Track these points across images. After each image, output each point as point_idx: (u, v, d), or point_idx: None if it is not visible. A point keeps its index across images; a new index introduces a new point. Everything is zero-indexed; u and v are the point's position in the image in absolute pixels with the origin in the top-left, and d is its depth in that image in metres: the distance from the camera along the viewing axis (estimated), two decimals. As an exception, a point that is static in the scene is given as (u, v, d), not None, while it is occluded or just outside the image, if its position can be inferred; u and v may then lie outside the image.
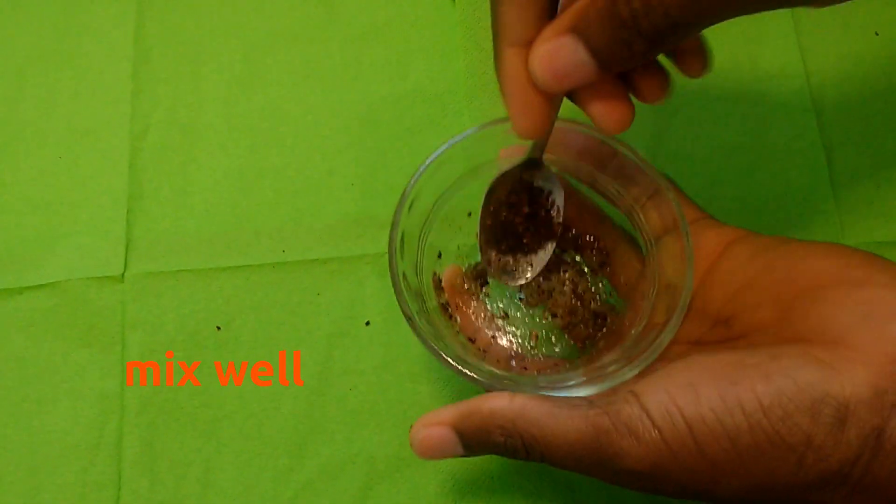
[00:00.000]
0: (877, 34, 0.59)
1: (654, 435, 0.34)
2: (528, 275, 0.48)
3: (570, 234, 0.50)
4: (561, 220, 0.46)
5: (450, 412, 0.39)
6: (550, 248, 0.47)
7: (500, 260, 0.48)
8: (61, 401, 0.53)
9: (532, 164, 0.45)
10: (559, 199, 0.46)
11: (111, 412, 0.53)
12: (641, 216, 0.47)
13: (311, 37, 0.61)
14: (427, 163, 0.45)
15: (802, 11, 0.59)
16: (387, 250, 0.52)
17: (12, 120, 0.59)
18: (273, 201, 0.57)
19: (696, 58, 0.37)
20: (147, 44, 0.61)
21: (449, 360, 0.41)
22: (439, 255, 0.51)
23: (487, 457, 0.50)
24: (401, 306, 0.43)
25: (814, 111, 0.58)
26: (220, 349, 0.54)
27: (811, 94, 0.58)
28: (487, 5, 0.57)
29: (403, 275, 0.44)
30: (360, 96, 0.59)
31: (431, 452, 0.39)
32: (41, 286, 0.55)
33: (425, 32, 0.60)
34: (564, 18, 0.34)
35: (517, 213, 0.46)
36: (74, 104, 0.59)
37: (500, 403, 0.38)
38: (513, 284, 0.48)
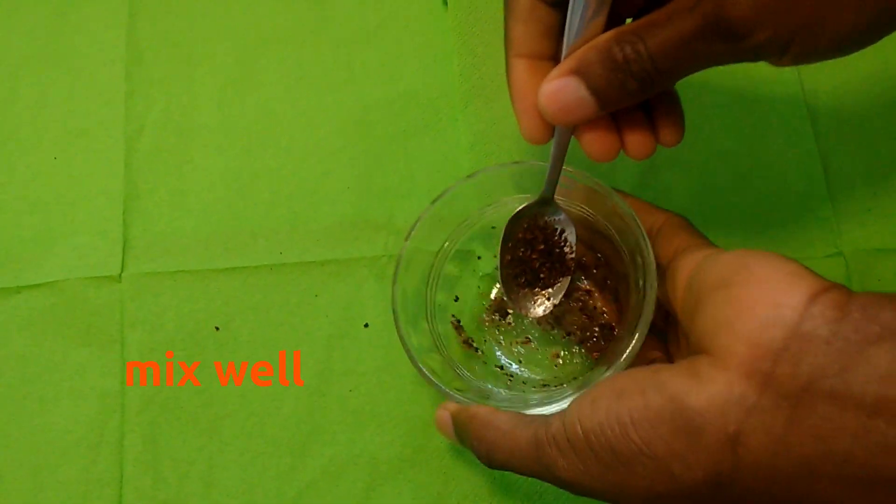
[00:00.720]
0: (871, 40, 0.59)
1: (566, 446, 0.37)
2: (547, 306, 0.50)
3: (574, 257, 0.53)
4: (574, 255, 0.49)
5: (454, 405, 0.45)
6: (566, 281, 0.50)
7: (520, 293, 0.50)
8: (62, 399, 0.54)
9: (545, 202, 0.47)
10: (571, 236, 0.49)
11: (112, 410, 0.53)
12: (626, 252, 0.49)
13: (304, 39, 0.60)
14: (417, 224, 0.49)
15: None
16: (383, 254, 0.55)
17: (7, 121, 0.59)
18: (269, 203, 0.57)
19: (670, 129, 0.43)
20: (140, 45, 0.60)
21: (450, 392, 0.45)
22: (456, 299, 0.54)
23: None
24: (408, 355, 0.47)
25: (809, 118, 0.58)
26: (220, 350, 0.54)
27: (806, 100, 0.58)
28: (480, 9, 0.60)
29: (412, 344, 0.47)
30: (353, 99, 0.59)
31: (438, 427, 0.47)
32: (39, 285, 0.55)
33: (418, 35, 0.60)
34: (569, 61, 0.38)
35: (533, 250, 0.49)
36: (68, 105, 0.59)
37: (482, 411, 0.43)
38: (533, 315, 0.50)
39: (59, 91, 0.59)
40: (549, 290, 0.50)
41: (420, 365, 0.46)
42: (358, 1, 0.61)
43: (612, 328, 0.52)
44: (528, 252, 0.49)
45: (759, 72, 0.58)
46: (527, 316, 0.51)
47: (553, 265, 0.49)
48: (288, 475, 0.52)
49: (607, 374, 0.44)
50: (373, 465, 0.52)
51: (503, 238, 0.48)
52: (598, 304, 0.53)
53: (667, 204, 0.48)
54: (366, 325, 0.55)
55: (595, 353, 0.51)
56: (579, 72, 0.38)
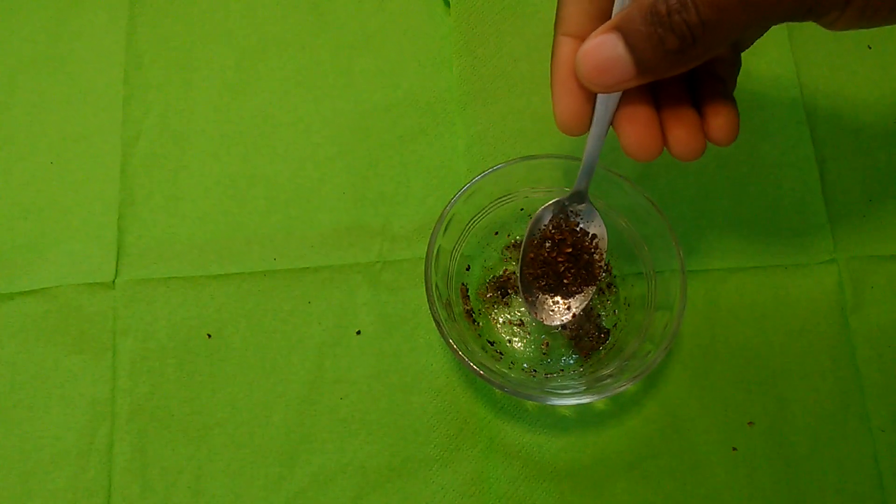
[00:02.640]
0: (869, 48, 0.59)
1: None
2: (566, 316, 0.48)
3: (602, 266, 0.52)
4: (603, 264, 0.47)
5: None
6: (590, 292, 0.48)
7: (539, 297, 0.48)
8: (53, 406, 0.53)
9: (578, 198, 0.46)
10: (603, 242, 0.47)
11: (102, 418, 0.53)
12: (646, 249, 0.49)
13: (303, 44, 0.60)
14: (465, 188, 0.48)
15: (797, 24, 0.58)
16: (378, 260, 0.54)
17: (4, 125, 0.59)
18: (265, 209, 0.57)
19: (723, 123, 0.39)
20: (139, 50, 0.60)
21: (471, 363, 0.45)
22: (468, 268, 0.54)
23: (479, 467, 0.51)
24: (432, 313, 0.46)
25: (807, 124, 0.57)
26: (212, 357, 0.54)
27: (805, 106, 0.58)
28: (482, 9, 0.59)
29: (436, 285, 0.47)
30: (351, 104, 0.59)
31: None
32: (32, 292, 0.55)
33: (417, 41, 0.60)
34: (613, 19, 0.36)
35: (560, 251, 0.47)
36: (66, 109, 0.59)
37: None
38: (549, 323, 0.49)
39: (57, 96, 0.60)
40: (570, 299, 0.48)
41: (446, 333, 0.46)
42: (357, 6, 0.61)
43: (608, 332, 0.52)
44: (554, 253, 0.47)
45: (760, 77, 0.59)
46: (542, 322, 0.48)
47: (579, 272, 0.47)
48: (276, 484, 0.52)
49: (627, 385, 0.45)
50: (362, 475, 0.52)
51: (529, 231, 0.46)
52: (598, 307, 0.53)
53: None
54: (358, 333, 0.54)
55: (585, 353, 0.51)
56: (619, 27, 0.36)
